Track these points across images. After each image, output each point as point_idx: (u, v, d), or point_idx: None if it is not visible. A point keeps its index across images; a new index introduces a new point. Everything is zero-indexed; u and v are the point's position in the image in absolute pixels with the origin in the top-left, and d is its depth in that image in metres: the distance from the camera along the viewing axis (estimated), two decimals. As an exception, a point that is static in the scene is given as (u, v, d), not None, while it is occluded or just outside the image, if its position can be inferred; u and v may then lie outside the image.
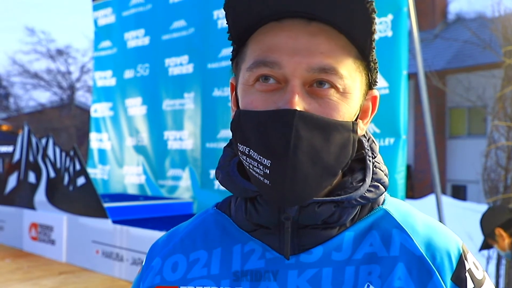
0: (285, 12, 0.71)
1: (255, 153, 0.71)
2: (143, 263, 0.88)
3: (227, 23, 0.75)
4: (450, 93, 12.97)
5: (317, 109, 0.71)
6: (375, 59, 0.77)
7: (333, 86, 0.71)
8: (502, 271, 4.71)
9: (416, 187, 14.24)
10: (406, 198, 3.70)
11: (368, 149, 0.81)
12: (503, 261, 4.68)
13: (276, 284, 0.74)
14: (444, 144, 14.74)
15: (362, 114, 0.79)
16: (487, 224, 3.17)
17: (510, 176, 4.83)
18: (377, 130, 3.84)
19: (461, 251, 0.76)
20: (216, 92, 5.48)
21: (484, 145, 5.77)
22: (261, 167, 0.71)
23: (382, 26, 3.89)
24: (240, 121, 0.74)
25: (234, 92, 0.80)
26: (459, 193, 14.07)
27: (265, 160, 0.70)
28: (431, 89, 9.89)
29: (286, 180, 0.69)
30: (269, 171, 0.70)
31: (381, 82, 3.86)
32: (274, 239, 0.77)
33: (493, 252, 4.79)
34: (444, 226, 0.81)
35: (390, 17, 3.87)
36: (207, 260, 0.80)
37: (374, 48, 0.74)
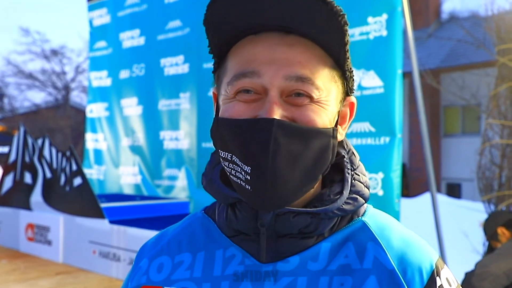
0: (262, 26, 0.74)
1: (237, 159, 0.73)
2: (133, 263, 0.91)
3: (207, 38, 0.77)
4: (444, 92, 13.04)
5: (296, 116, 0.73)
6: (350, 68, 0.80)
7: (309, 96, 0.74)
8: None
9: (411, 186, 14.29)
10: (401, 197, 3.72)
11: (347, 161, 0.83)
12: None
13: None
14: (439, 143, 14.80)
15: (341, 120, 0.82)
16: (490, 226, 3.30)
17: (504, 174, 4.87)
18: (372, 129, 3.86)
19: (434, 267, 0.77)
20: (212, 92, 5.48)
21: (478, 143, 5.81)
22: (243, 172, 0.73)
23: (377, 26, 3.91)
24: (219, 129, 0.77)
25: (216, 102, 0.83)
26: (454, 191, 14.14)
27: (246, 167, 0.72)
28: (425, 88, 9.93)
29: (266, 185, 0.71)
30: (250, 177, 0.72)
31: (376, 81, 3.88)
32: (253, 246, 0.79)
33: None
34: (423, 241, 0.82)
35: (384, 16, 3.90)
36: (191, 263, 0.82)
37: (348, 58, 0.77)
